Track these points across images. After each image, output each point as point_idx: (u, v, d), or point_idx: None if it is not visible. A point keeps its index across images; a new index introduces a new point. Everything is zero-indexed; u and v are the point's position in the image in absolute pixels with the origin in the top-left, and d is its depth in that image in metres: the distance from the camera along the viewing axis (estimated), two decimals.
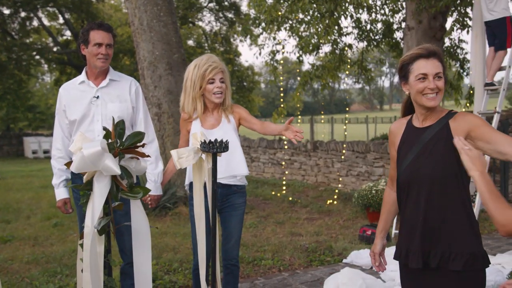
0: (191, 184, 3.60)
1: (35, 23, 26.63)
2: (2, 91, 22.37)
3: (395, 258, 2.66)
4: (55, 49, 27.24)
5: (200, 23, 28.82)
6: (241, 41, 31.07)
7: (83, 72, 3.81)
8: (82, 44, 3.70)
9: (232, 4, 27.58)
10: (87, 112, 3.70)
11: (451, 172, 2.40)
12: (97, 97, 3.71)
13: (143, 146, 2.22)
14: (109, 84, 3.77)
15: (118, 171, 2.03)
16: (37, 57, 26.01)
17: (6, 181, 13.90)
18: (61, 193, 3.79)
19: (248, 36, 12.88)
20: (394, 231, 6.78)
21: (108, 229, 2.38)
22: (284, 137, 12.99)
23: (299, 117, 12.60)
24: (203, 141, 2.26)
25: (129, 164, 2.23)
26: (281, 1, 9.04)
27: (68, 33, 28.89)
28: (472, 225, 2.45)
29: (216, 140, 2.28)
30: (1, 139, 27.79)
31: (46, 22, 27.95)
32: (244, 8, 26.87)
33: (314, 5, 7.85)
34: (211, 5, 28.37)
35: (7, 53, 23.42)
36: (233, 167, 3.66)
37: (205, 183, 2.86)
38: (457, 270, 2.37)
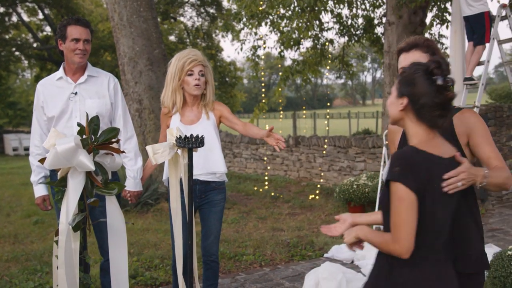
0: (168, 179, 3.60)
1: (14, 18, 26.30)
2: None
3: None
4: (35, 45, 26.95)
5: (181, 19, 28.70)
6: (222, 36, 31.01)
7: (61, 68, 3.75)
8: (59, 39, 3.64)
9: None
10: (65, 108, 3.64)
11: None
12: (75, 93, 3.66)
13: (117, 141, 2.18)
14: (87, 80, 3.72)
15: (92, 167, 2.01)
16: (17, 53, 25.70)
17: None
18: (39, 190, 3.74)
19: (230, 32, 12.84)
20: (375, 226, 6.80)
21: (84, 225, 2.35)
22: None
23: (281, 112, 12.60)
24: (178, 136, 2.23)
25: (104, 160, 2.20)
26: None
27: (48, 29, 28.58)
28: (478, 228, 2.42)
29: (191, 135, 2.24)
30: None
31: (25, 17, 27.62)
32: (225, 3, 26.73)
33: (295, 0, 7.82)
34: (192, 0, 28.25)
35: None
36: (211, 165, 3.67)
37: (181, 179, 2.85)
38: (467, 273, 2.34)
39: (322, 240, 6.43)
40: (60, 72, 3.73)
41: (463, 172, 2.06)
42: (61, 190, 2.18)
